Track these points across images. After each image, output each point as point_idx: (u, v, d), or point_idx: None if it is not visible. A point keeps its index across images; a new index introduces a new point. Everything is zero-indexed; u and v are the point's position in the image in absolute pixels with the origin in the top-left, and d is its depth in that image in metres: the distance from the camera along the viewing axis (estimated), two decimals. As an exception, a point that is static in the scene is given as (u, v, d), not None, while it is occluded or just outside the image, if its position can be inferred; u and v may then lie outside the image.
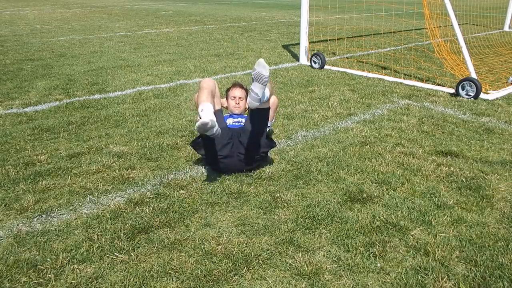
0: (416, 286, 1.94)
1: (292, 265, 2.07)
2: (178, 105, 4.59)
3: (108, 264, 2.08)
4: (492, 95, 4.93)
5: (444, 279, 1.97)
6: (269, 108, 3.08)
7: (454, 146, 3.50)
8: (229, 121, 3.17)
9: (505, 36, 9.77)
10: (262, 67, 2.63)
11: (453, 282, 1.96)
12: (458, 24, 5.11)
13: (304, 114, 4.29)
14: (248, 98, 2.73)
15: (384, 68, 6.39)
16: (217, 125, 2.67)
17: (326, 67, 6.44)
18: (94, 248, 2.19)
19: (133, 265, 2.07)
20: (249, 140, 2.94)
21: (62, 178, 2.94)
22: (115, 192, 2.76)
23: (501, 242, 2.24)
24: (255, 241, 2.26)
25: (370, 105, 4.61)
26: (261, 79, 2.64)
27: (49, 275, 2.00)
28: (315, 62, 6.47)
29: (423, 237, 2.29)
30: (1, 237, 2.29)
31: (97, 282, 1.96)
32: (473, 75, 4.89)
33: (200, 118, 2.63)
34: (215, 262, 2.09)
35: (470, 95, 4.82)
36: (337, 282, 1.97)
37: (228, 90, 3.39)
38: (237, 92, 3.31)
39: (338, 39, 9.05)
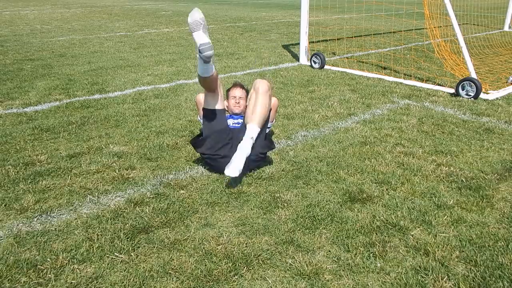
0: (416, 286, 1.94)
1: (292, 265, 2.07)
2: (178, 105, 4.59)
3: (108, 264, 2.08)
4: (492, 95, 4.93)
5: (444, 279, 1.97)
6: (269, 110, 3.09)
7: (454, 146, 3.50)
8: (230, 122, 3.17)
9: (505, 36, 9.77)
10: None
11: (453, 282, 1.96)
12: (458, 24, 5.11)
13: (304, 114, 4.29)
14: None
15: (384, 68, 6.40)
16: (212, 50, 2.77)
17: (326, 67, 6.44)
18: (94, 248, 2.19)
19: (133, 265, 2.07)
20: None
21: (62, 178, 2.94)
22: (115, 192, 2.77)
23: (501, 242, 2.24)
24: (255, 241, 2.26)
25: (370, 105, 4.61)
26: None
27: (49, 275, 2.00)
28: (315, 62, 6.47)
29: (423, 237, 2.29)
30: (1, 237, 2.29)
31: (97, 282, 1.96)
32: (473, 75, 4.89)
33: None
34: (215, 262, 2.09)
35: (470, 95, 4.82)
36: (337, 282, 1.97)
37: (228, 90, 3.40)
38: (238, 92, 3.32)
39: (338, 39, 9.05)
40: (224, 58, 7.18)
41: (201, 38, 2.74)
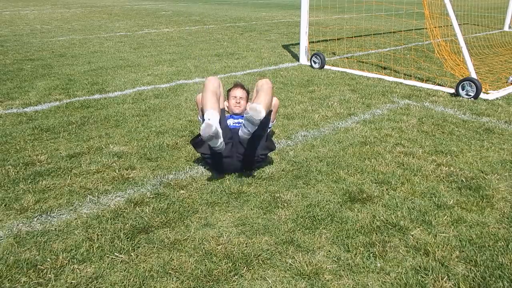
0: (416, 286, 1.94)
1: (292, 265, 2.07)
2: (178, 105, 4.59)
3: (108, 264, 2.08)
4: (492, 95, 4.93)
5: (444, 279, 1.97)
6: (270, 111, 3.09)
7: (454, 146, 3.50)
8: (230, 122, 3.17)
9: (505, 36, 9.77)
10: (255, 111, 2.67)
11: (453, 282, 1.96)
12: (458, 24, 5.11)
13: (304, 114, 4.29)
14: (239, 131, 2.80)
15: (384, 68, 6.40)
16: (221, 139, 2.72)
17: (326, 67, 6.44)
18: (94, 248, 2.19)
19: (133, 265, 2.07)
20: (248, 141, 2.95)
21: (62, 178, 2.94)
22: (115, 192, 2.77)
23: (501, 242, 2.24)
24: (255, 241, 2.26)
25: (370, 105, 4.61)
26: (253, 122, 2.71)
27: (49, 275, 2.00)
28: (315, 62, 6.47)
29: (423, 237, 2.29)
30: (1, 237, 2.29)
31: (97, 282, 1.96)
32: (473, 75, 4.89)
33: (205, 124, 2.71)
34: (215, 262, 2.09)
35: (470, 95, 4.82)
36: (337, 282, 1.97)
37: (229, 90, 3.41)
38: (238, 93, 3.32)
39: (338, 39, 9.05)
40: (224, 58, 7.18)
41: (215, 143, 2.70)
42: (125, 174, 3.00)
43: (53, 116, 4.22)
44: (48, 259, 2.10)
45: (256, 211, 2.55)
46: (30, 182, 2.87)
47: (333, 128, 3.92)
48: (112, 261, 2.10)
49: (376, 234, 2.31)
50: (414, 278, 1.98)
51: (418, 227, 2.38)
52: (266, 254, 2.15)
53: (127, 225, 2.39)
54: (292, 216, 2.49)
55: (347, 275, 2.01)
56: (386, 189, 2.81)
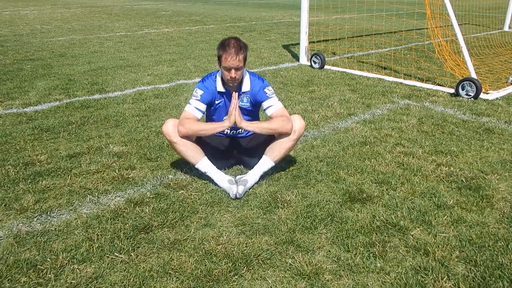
0: (416, 286, 1.94)
1: (292, 265, 2.07)
2: (178, 105, 4.59)
3: (108, 264, 2.08)
4: (492, 95, 4.93)
5: (444, 279, 1.97)
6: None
7: (454, 146, 3.50)
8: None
9: (505, 36, 9.77)
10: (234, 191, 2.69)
11: (453, 282, 1.96)
12: (458, 24, 5.11)
13: (304, 114, 4.29)
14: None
15: (384, 68, 6.39)
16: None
17: (326, 67, 6.44)
18: (94, 248, 2.19)
19: (133, 265, 2.07)
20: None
21: (62, 178, 2.94)
22: (115, 192, 2.76)
23: (501, 242, 2.24)
24: (255, 241, 2.26)
25: (370, 105, 4.61)
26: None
27: (49, 275, 2.00)
28: (315, 62, 6.47)
29: (423, 237, 2.29)
30: (1, 237, 2.29)
31: (97, 282, 1.96)
32: (473, 75, 4.89)
33: (217, 183, 2.79)
34: (215, 262, 2.09)
35: (470, 95, 4.82)
36: (337, 282, 1.97)
37: (219, 55, 2.68)
38: (231, 61, 2.59)
39: (338, 39, 9.05)
40: (224, 58, 7.17)
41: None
42: (125, 174, 3.00)
43: (53, 116, 4.22)
44: (48, 259, 2.10)
45: (256, 211, 2.55)
46: (30, 182, 2.87)
47: (333, 128, 3.92)
48: (112, 261, 2.10)
49: (376, 234, 2.31)
50: (414, 278, 1.98)
51: (418, 227, 2.38)
52: (266, 254, 2.15)
53: (127, 225, 2.39)
54: (292, 216, 2.49)
55: (347, 275, 2.01)
56: (386, 189, 2.81)
